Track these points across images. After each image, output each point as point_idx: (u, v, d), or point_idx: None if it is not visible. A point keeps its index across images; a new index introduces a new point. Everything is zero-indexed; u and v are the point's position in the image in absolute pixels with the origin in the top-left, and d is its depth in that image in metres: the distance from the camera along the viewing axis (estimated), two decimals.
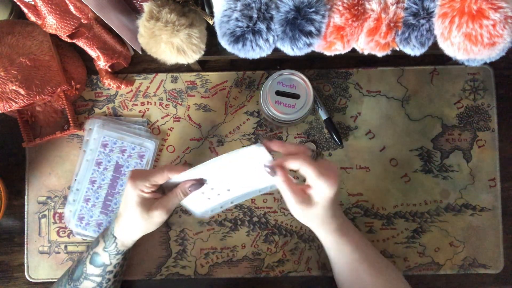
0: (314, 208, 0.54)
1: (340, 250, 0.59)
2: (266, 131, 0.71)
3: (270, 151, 0.53)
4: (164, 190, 0.60)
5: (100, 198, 0.70)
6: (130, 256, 0.70)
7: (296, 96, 0.63)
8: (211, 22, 0.55)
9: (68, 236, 0.71)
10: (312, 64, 0.73)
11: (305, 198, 0.54)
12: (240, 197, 0.62)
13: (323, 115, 0.70)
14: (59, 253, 0.71)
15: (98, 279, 0.62)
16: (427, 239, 0.70)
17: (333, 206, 0.56)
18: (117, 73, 0.73)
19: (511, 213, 0.71)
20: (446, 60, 0.71)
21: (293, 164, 0.53)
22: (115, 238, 0.60)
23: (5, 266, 0.72)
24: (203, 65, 0.73)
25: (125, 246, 0.61)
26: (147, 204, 0.57)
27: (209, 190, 0.60)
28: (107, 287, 0.63)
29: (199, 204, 0.62)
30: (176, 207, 0.57)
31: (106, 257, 0.61)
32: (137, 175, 0.57)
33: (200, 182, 0.57)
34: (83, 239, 0.71)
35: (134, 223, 0.58)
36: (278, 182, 0.54)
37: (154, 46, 0.56)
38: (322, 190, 0.53)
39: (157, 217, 0.57)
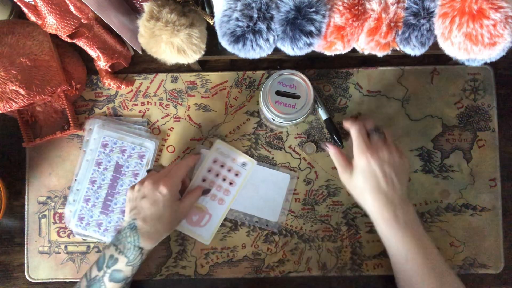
0: (352, 175, 0.61)
1: (385, 239, 0.60)
2: (266, 130, 0.71)
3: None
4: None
5: (100, 198, 0.70)
6: None
7: (296, 96, 0.63)
8: (211, 22, 0.55)
9: (68, 236, 0.71)
10: (312, 64, 0.73)
11: (347, 165, 0.62)
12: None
13: (323, 115, 0.70)
14: (59, 253, 0.71)
15: None
16: None
17: (372, 184, 0.59)
18: (117, 73, 0.73)
19: (511, 213, 0.71)
20: (446, 60, 0.71)
21: (346, 125, 0.62)
22: (142, 249, 0.60)
23: (5, 266, 0.72)
24: (203, 65, 0.73)
25: (148, 252, 0.62)
26: (176, 199, 0.63)
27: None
28: None
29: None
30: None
31: (129, 270, 0.60)
32: (165, 179, 0.62)
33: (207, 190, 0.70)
34: (83, 239, 0.71)
35: (163, 224, 0.61)
36: (331, 154, 0.63)
37: (154, 46, 0.56)
38: (356, 160, 0.60)
39: (187, 205, 0.65)
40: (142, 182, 0.62)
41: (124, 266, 0.59)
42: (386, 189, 0.59)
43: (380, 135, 0.61)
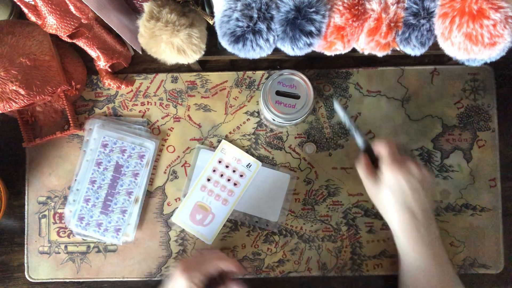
0: (379, 190, 0.60)
1: (404, 251, 0.61)
2: (266, 130, 0.71)
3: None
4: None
5: (100, 198, 0.70)
6: (131, 256, 0.70)
7: (296, 96, 0.63)
8: (211, 22, 0.55)
9: (68, 236, 0.71)
10: (312, 64, 0.73)
11: (375, 179, 0.61)
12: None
13: (360, 143, 0.63)
14: (59, 253, 0.71)
15: None
16: None
17: (399, 200, 0.58)
18: (117, 73, 0.73)
19: (511, 213, 0.71)
20: (446, 60, 0.71)
21: (377, 147, 0.62)
22: None
23: (5, 266, 0.72)
24: (203, 65, 0.73)
25: None
26: None
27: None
28: None
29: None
30: None
31: None
32: (191, 268, 0.57)
33: (244, 271, 0.66)
34: (83, 239, 0.71)
35: None
36: (359, 165, 0.63)
37: (154, 46, 0.56)
38: (384, 175, 0.59)
39: None
40: (178, 262, 0.61)
41: None
42: (413, 205, 0.58)
43: (408, 153, 0.61)
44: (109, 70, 0.71)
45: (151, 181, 0.71)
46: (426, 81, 0.71)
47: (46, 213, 0.71)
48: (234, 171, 0.70)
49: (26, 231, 0.71)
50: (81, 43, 0.64)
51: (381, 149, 0.60)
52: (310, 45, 0.50)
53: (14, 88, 0.59)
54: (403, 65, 0.72)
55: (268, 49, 0.51)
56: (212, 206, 0.70)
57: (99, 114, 0.72)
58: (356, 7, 0.49)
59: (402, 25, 0.51)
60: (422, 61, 0.72)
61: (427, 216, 0.59)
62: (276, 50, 0.52)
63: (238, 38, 0.49)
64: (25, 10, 0.57)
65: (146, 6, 0.54)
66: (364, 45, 0.54)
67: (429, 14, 0.50)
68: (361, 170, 0.62)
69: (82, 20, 0.59)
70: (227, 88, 0.72)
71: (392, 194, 0.58)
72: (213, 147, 0.71)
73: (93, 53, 0.67)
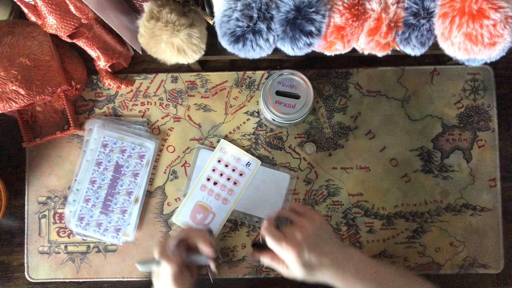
0: (293, 272, 0.56)
1: None
2: (266, 130, 0.71)
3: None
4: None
5: (100, 198, 0.70)
6: (131, 256, 0.70)
7: (296, 96, 0.63)
8: (211, 22, 0.55)
9: (68, 236, 0.71)
10: (312, 64, 0.73)
11: (278, 261, 0.57)
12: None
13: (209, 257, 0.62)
14: (59, 253, 0.71)
15: None
16: (427, 239, 0.70)
17: (313, 265, 0.55)
18: (117, 73, 0.73)
19: (511, 213, 0.71)
20: (446, 60, 0.71)
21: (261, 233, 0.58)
22: None
23: (5, 266, 0.72)
24: (203, 65, 0.73)
25: None
26: (181, 281, 0.59)
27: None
28: None
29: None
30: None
31: None
32: (171, 259, 0.58)
33: (215, 250, 0.62)
34: (83, 239, 0.71)
35: None
36: (266, 263, 0.58)
37: (155, 46, 0.56)
38: (282, 256, 0.55)
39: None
40: (156, 246, 0.61)
41: None
42: (327, 261, 0.55)
43: (285, 221, 0.58)
44: (109, 70, 0.71)
45: (151, 181, 0.71)
46: (426, 81, 0.71)
47: (46, 213, 0.71)
48: (233, 170, 0.70)
49: (26, 231, 0.71)
50: (81, 43, 0.64)
51: (263, 233, 0.57)
52: (310, 45, 0.50)
53: (14, 88, 0.59)
54: (403, 65, 0.72)
55: (268, 49, 0.51)
56: (213, 206, 0.70)
57: (99, 114, 0.72)
58: (356, 7, 0.49)
59: (402, 25, 0.51)
60: (422, 61, 0.72)
61: (342, 252, 0.56)
62: (276, 50, 0.52)
63: (238, 38, 0.49)
64: (25, 10, 0.57)
65: (146, 6, 0.54)
66: (364, 45, 0.54)
67: (429, 14, 0.50)
68: (271, 262, 0.58)
69: (82, 20, 0.59)
70: (227, 88, 0.72)
71: (302, 268, 0.54)
72: (213, 147, 0.71)
73: (93, 53, 0.67)
